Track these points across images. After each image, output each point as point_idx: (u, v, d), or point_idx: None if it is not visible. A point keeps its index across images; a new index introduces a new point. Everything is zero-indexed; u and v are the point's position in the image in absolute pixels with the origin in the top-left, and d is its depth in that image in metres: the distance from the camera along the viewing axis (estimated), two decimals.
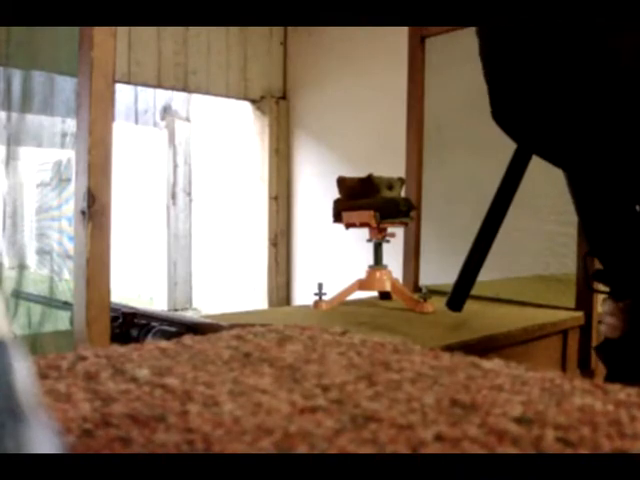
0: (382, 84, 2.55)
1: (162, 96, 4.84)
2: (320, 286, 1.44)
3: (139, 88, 4.48)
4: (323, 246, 2.92)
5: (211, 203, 4.70)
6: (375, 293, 1.55)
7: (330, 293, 1.44)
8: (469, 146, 1.78)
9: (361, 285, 1.46)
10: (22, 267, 1.20)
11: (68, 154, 1.06)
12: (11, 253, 1.22)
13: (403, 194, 1.55)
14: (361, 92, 2.71)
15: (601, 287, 0.80)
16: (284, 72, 3.15)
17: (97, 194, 0.82)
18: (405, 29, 1.85)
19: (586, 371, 1.41)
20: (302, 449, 0.22)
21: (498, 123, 0.69)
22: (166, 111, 4.93)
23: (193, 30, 2.83)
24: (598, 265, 0.80)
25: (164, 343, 0.39)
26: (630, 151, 0.61)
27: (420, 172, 1.78)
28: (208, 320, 0.80)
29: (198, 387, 0.30)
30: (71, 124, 0.98)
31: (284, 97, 3.14)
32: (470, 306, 0.93)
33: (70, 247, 1.01)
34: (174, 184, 4.94)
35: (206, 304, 4.73)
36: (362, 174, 1.47)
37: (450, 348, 0.94)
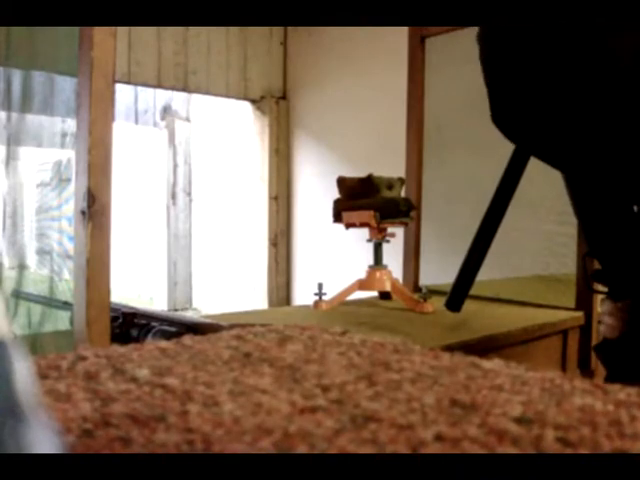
0: (382, 84, 2.55)
1: (162, 96, 4.84)
2: (320, 286, 1.44)
3: (139, 88, 4.48)
4: (323, 246, 2.92)
5: (211, 203, 4.70)
6: (375, 293, 1.55)
7: (330, 293, 1.44)
8: (469, 146, 1.78)
9: (361, 285, 1.46)
10: (22, 267, 1.20)
11: (68, 154, 1.06)
12: (11, 253, 1.22)
13: (403, 194, 1.55)
14: (361, 92, 2.71)
15: (600, 287, 0.80)
16: (284, 72, 3.15)
17: (97, 194, 0.82)
18: (405, 29, 1.85)
19: (586, 371, 1.41)
20: (302, 449, 0.22)
21: (498, 126, 0.69)
22: (166, 111, 4.93)
23: (193, 30, 2.83)
24: (598, 265, 0.80)
25: (164, 343, 0.39)
26: (629, 153, 0.61)
27: (420, 172, 1.78)
28: (208, 320, 0.80)
29: (198, 387, 0.30)
30: (71, 124, 0.98)
31: (284, 97, 3.14)
32: (470, 306, 0.93)
33: (70, 247, 1.01)
34: (174, 184, 4.94)
35: (206, 304, 4.73)
36: (362, 174, 1.47)
37: (450, 348, 0.94)
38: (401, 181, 1.51)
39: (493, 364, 0.35)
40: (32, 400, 0.15)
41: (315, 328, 0.44)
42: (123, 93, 4.72)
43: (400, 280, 1.64)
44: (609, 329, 0.74)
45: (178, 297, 4.93)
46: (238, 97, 3.09)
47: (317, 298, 1.43)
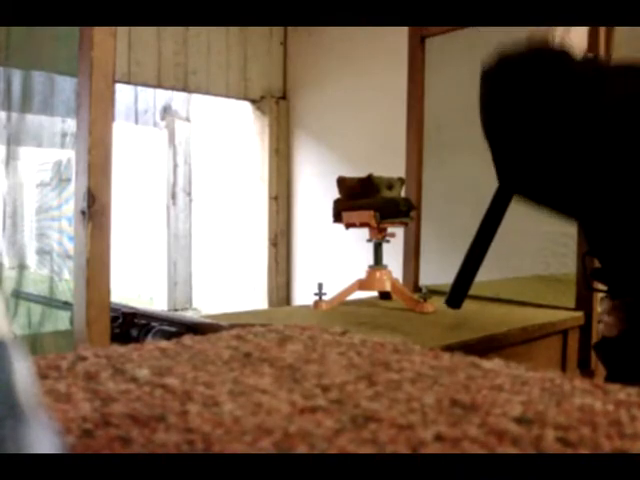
0: (382, 84, 2.55)
1: (162, 96, 4.84)
2: (320, 286, 1.44)
3: (139, 88, 4.48)
4: (323, 246, 2.92)
5: (211, 203, 4.70)
6: (375, 293, 1.55)
7: (330, 293, 1.44)
8: (469, 146, 1.77)
9: (361, 285, 1.46)
10: (22, 267, 1.20)
11: (68, 154, 1.06)
12: (11, 253, 1.22)
13: (403, 194, 1.55)
14: (361, 92, 2.71)
15: (600, 286, 0.80)
16: (284, 72, 3.15)
17: (97, 194, 0.82)
18: (405, 29, 1.85)
19: (586, 371, 1.41)
20: (302, 449, 0.22)
21: (501, 178, 0.71)
22: (166, 111, 4.93)
23: (193, 30, 2.83)
24: (598, 264, 0.80)
25: (164, 343, 0.39)
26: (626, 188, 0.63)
27: (420, 172, 1.78)
28: (208, 320, 0.80)
29: (198, 387, 0.30)
30: (71, 124, 0.98)
31: (284, 97, 3.14)
32: (470, 306, 0.93)
33: (70, 247, 1.01)
34: (174, 184, 4.94)
35: (206, 304, 4.73)
36: (362, 174, 1.47)
37: (450, 348, 0.94)
38: (401, 181, 1.51)
39: (493, 364, 0.35)
40: (32, 400, 0.15)
41: (315, 328, 0.44)
42: (123, 93, 4.72)
43: (400, 280, 1.64)
44: (608, 327, 0.75)
45: (178, 297, 4.93)
46: (238, 97, 3.09)
47: (317, 298, 1.43)
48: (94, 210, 0.81)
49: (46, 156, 1.34)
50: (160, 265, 4.96)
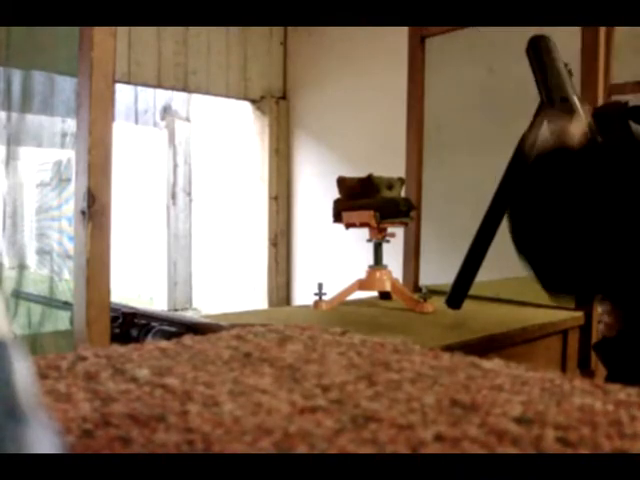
0: (382, 84, 2.55)
1: (162, 96, 4.84)
2: (320, 286, 1.44)
3: (139, 88, 4.48)
4: (323, 246, 2.92)
5: (211, 203, 4.70)
6: (375, 293, 1.55)
7: (330, 293, 1.44)
8: (469, 146, 1.78)
9: (361, 285, 1.46)
10: (22, 267, 1.20)
11: (68, 154, 1.06)
12: (11, 253, 1.22)
13: (403, 194, 1.55)
14: (361, 92, 2.71)
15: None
16: (284, 72, 3.15)
17: (97, 194, 0.82)
18: (405, 29, 1.85)
19: (586, 371, 1.41)
20: (302, 449, 0.22)
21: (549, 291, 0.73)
22: (166, 111, 4.93)
23: (193, 30, 2.83)
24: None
25: (164, 343, 0.39)
26: None
27: (420, 172, 1.78)
28: (208, 320, 0.80)
29: (198, 387, 0.30)
30: (71, 124, 0.98)
31: (284, 97, 3.14)
32: (470, 306, 0.93)
33: (70, 247, 1.01)
34: (174, 184, 4.94)
35: (206, 304, 4.73)
36: (362, 174, 1.47)
37: (450, 348, 0.94)
38: (401, 181, 1.51)
39: (493, 364, 0.35)
40: (32, 400, 0.15)
41: (315, 328, 0.44)
42: (123, 93, 4.72)
43: (400, 280, 1.64)
44: (607, 327, 0.75)
45: (178, 297, 4.93)
46: (238, 97, 3.09)
47: (317, 298, 1.43)
48: (94, 210, 0.81)
49: (46, 156, 1.34)
50: (160, 265, 4.96)
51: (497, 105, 1.70)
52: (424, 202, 1.77)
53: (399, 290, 1.47)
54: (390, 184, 1.46)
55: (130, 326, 0.80)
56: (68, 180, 1.07)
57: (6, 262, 1.18)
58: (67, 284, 1.05)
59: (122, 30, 2.46)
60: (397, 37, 1.98)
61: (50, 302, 1.08)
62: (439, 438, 0.23)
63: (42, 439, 0.14)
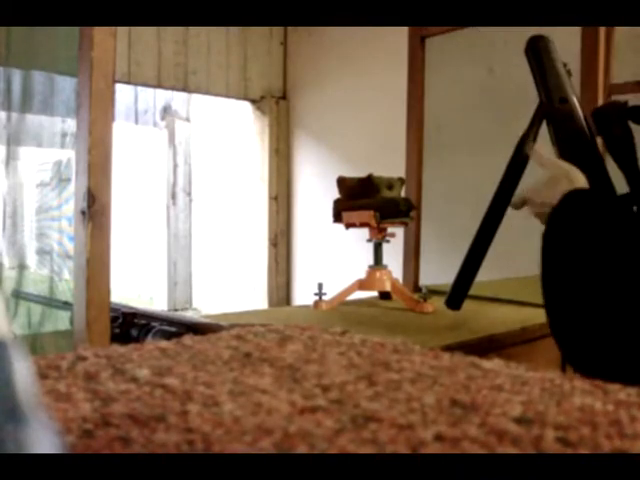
0: (382, 84, 2.55)
1: (162, 96, 4.84)
2: (320, 286, 1.44)
3: (139, 88, 4.48)
4: (323, 246, 2.91)
5: (211, 203, 4.70)
6: (375, 293, 1.55)
7: (330, 293, 1.44)
8: (469, 146, 1.78)
9: (361, 285, 1.46)
10: (22, 267, 1.20)
11: (68, 154, 1.06)
12: (11, 253, 1.22)
13: (403, 194, 1.54)
14: (361, 92, 2.71)
15: None
16: (284, 72, 3.15)
17: (97, 194, 0.82)
18: (405, 29, 1.85)
19: None
20: (302, 449, 0.22)
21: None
22: (166, 111, 4.93)
23: (193, 30, 2.83)
24: None
25: (164, 343, 0.39)
26: None
27: (420, 172, 1.78)
28: (208, 320, 0.80)
29: (198, 387, 0.30)
30: (71, 124, 0.98)
31: (284, 97, 3.14)
32: (470, 306, 0.93)
33: (70, 247, 1.01)
34: (174, 184, 4.94)
35: (206, 304, 4.73)
36: (362, 174, 1.47)
37: (450, 348, 0.94)
38: (401, 181, 1.51)
39: (493, 364, 0.35)
40: (32, 400, 0.15)
41: (315, 328, 0.44)
42: (123, 93, 4.72)
43: (400, 280, 1.64)
44: None
45: (178, 297, 4.93)
46: (238, 97, 3.09)
47: (317, 298, 1.43)
48: (94, 210, 0.81)
49: (46, 156, 1.34)
50: (160, 265, 4.96)
51: (497, 105, 1.70)
52: (424, 202, 1.77)
53: (399, 290, 1.47)
54: (390, 184, 1.46)
55: (130, 326, 0.80)
56: (68, 180, 1.07)
57: (6, 262, 1.18)
58: (67, 284, 1.05)
59: (122, 30, 2.46)
60: (397, 37, 1.97)
61: (50, 302, 1.08)
62: (439, 438, 0.23)
63: (42, 439, 0.14)
